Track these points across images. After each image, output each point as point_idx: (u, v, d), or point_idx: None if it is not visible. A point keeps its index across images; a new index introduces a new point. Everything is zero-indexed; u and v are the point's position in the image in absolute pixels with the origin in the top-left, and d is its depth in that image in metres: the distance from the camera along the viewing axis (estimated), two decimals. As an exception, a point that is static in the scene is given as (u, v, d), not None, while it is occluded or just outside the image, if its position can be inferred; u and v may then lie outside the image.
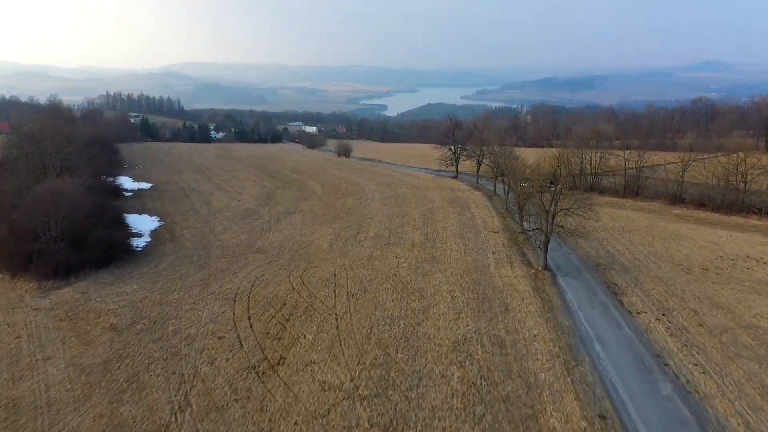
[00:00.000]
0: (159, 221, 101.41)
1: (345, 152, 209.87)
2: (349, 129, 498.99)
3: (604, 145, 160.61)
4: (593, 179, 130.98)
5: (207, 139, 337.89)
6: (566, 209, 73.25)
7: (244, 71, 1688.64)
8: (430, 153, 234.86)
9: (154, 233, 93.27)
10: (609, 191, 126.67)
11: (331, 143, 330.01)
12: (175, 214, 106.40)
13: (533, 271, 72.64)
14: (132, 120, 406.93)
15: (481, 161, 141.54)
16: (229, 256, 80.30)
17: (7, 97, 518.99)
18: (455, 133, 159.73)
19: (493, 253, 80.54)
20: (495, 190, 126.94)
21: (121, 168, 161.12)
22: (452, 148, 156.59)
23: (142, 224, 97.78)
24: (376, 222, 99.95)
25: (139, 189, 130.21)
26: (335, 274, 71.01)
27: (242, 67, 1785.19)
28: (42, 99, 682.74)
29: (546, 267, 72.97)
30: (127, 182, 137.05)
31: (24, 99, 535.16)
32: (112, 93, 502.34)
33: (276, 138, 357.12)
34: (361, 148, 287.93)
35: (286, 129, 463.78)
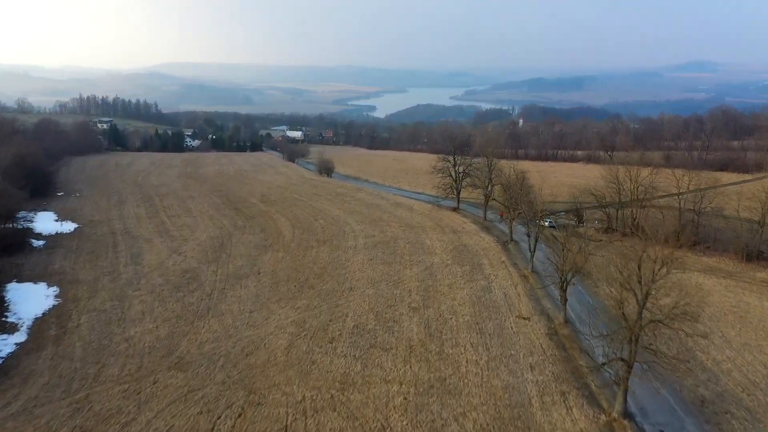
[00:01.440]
0: (57, 296, 72.40)
1: (326, 170, 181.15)
2: (336, 134, 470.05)
3: (635, 161, 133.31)
4: (635, 215, 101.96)
5: (180, 148, 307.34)
6: (660, 321, 44.40)
7: (231, 71, 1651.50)
8: (423, 168, 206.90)
9: (36, 325, 64.14)
10: (654, 232, 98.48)
11: (315, 152, 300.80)
12: (86, 282, 77.34)
13: (605, 418, 44.70)
14: (102, 126, 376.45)
15: (490, 195, 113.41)
16: (129, 378, 51.69)
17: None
18: (455, 155, 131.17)
19: (531, 369, 52.45)
20: (511, 235, 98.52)
21: (51, 198, 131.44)
22: (452, 173, 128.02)
23: (29, 303, 68.73)
24: (357, 295, 71.56)
25: (57, 234, 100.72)
26: (288, 427, 42.95)
27: (229, 68, 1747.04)
28: (23, 100, 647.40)
29: (626, 413, 44.94)
30: (45, 222, 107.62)
31: (7, 101, 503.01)
32: (85, 96, 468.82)
33: (255, 146, 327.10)
34: (347, 158, 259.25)
35: (269, 134, 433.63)
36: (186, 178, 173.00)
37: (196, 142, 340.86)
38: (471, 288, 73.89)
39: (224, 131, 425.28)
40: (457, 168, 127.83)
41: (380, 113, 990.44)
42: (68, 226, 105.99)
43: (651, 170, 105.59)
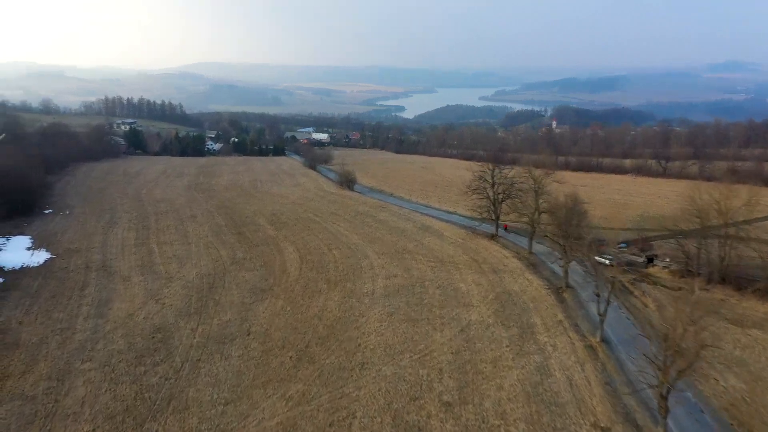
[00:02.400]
0: (-20, 370, 55.43)
1: (348, 182, 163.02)
2: (363, 136, 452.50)
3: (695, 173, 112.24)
4: (727, 252, 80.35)
5: (200, 152, 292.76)
6: None
7: (260, 71, 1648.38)
8: (454, 178, 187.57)
9: (-69, 424, 47.22)
10: (752, 280, 77.19)
11: (339, 156, 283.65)
12: (27, 347, 60.06)
13: None
14: (124, 128, 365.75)
15: (537, 222, 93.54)
16: None
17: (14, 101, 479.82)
18: (494, 176, 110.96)
19: None
20: (567, 278, 78.73)
21: (34, 217, 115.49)
22: (489, 193, 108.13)
23: (-61, 385, 51.80)
24: (370, 378, 53.10)
25: (21, 268, 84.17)
26: None
27: (258, 68, 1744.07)
28: (56, 100, 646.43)
29: None
30: (13, 251, 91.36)
31: (36, 101, 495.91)
32: (110, 97, 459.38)
33: (278, 150, 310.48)
34: (372, 165, 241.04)
35: (293, 137, 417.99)
36: (194, 190, 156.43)
37: (217, 146, 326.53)
38: (522, 368, 54.74)
39: (248, 133, 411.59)
40: (495, 189, 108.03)
41: (409, 114, 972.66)
42: (39, 257, 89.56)
43: (749, 191, 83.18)
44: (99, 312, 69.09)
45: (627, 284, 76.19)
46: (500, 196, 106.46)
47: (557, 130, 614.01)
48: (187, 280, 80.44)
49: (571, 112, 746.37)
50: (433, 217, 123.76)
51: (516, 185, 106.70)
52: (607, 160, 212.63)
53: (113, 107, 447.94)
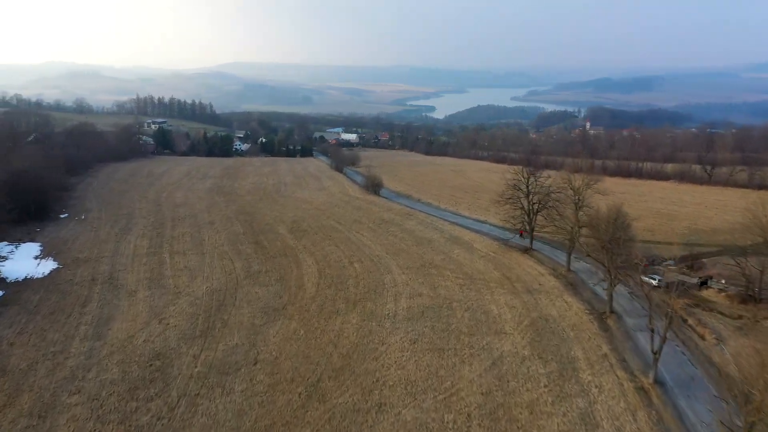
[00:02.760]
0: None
1: (374, 187, 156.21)
2: (392, 137, 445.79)
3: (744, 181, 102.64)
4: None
5: (227, 152, 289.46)
6: None
7: (291, 71, 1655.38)
8: (485, 183, 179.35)
9: None
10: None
11: (367, 158, 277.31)
12: (13, 374, 54.30)
13: None
14: (154, 127, 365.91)
15: (577, 235, 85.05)
16: None
17: (46, 100, 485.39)
18: (529, 184, 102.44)
19: None
20: (611, 303, 70.42)
21: (47, 222, 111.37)
22: (524, 203, 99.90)
23: None
24: (387, 424, 46.06)
25: (25, 279, 79.37)
26: None
27: (291, 67, 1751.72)
28: (90, 99, 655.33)
29: None
30: (20, 261, 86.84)
31: (72, 100, 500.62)
32: (142, 96, 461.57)
33: (305, 151, 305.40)
34: (401, 167, 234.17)
35: (322, 137, 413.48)
36: (216, 194, 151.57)
37: (245, 146, 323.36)
38: (564, 416, 47.11)
39: (276, 133, 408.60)
40: (531, 198, 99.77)
41: (439, 114, 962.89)
42: (45, 267, 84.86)
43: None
44: (97, 333, 63.47)
45: (680, 311, 67.71)
46: (535, 207, 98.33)
47: (591, 132, 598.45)
48: (196, 297, 74.49)
49: (606, 113, 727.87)
50: (462, 226, 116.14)
51: (553, 194, 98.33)
52: (647, 165, 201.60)
53: (145, 106, 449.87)
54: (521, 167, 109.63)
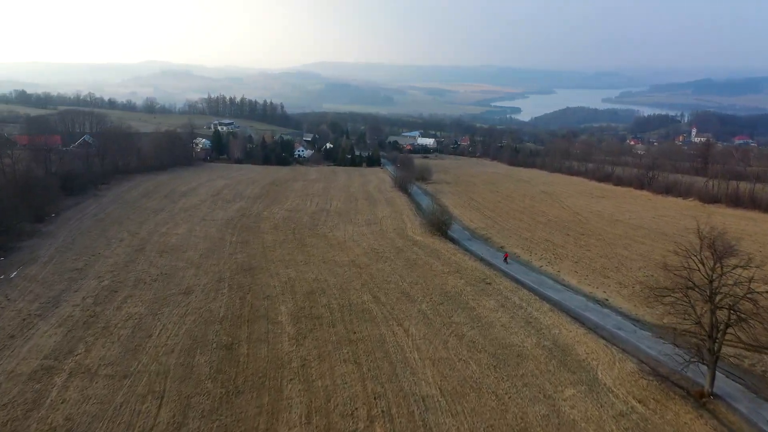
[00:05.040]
0: None
1: (440, 226, 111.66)
2: (472, 143, 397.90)
3: None
4: None
5: (284, 160, 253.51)
6: None
7: (375, 71, 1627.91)
8: (590, 215, 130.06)
9: None
10: None
11: (441, 169, 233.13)
12: None
13: None
14: (222, 129, 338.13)
15: None
16: None
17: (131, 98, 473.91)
18: (713, 274, 54.45)
19: None
20: None
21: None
22: (698, 313, 52.61)
23: None
24: None
25: None
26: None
27: (374, 67, 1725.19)
28: (178, 98, 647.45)
29: None
30: None
31: (164, 98, 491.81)
32: (214, 96, 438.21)
33: (372, 161, 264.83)
34: (479, 184, 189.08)
35: (395, 142, 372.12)
36: (232, 229, 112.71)
37: (307, 152, 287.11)
38: None
39: (349, 137, 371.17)
40: (714, 296, 52.24)
41: (525, 116, 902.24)
42: None
43: None
44: None
45: None
46: (724, 318, 51.03)
47: (696, 140, 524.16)
48: None
49: (713, 118, 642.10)
50: (572, 316, 69.94)
51: (753, 287, 50.58)
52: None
53: (216, 106, 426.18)
54: (697, 249, 59.12)
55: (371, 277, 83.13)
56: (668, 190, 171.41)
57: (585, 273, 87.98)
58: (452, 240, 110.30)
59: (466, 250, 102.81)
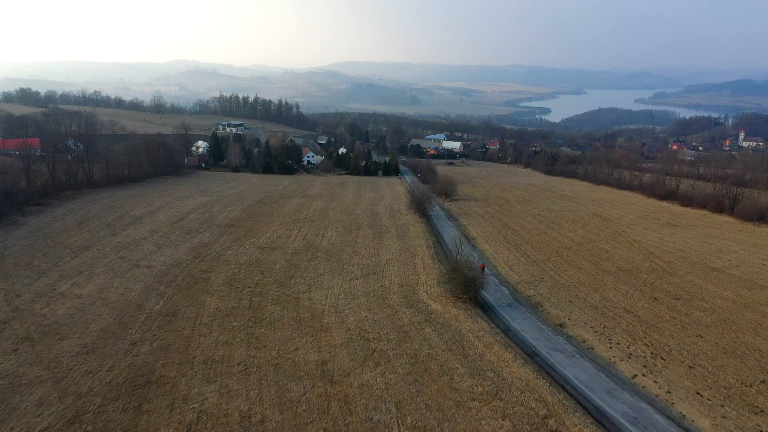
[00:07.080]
0: None
1: (468, 285, 74.61)
2: (502, 146, 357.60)
3: None
4: None
5: (288, 168, 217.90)
6: None
7: (402, 70, 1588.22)
8: (672, 257, 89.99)
9: None
10: None
11: (469, 180, 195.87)
12: None
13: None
14: (232, 131, 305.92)
15: None
16: None
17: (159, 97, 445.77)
18: None
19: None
20: None
21: None
22: None
23: None
24: None
25: None
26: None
27: (400, 66, 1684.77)
28: (206, 96, 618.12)
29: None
30: None
31: (190, 96, 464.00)
32: (227, 95, 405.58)
33: (389, 169, 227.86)
34: (514, 202, 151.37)
35: (418, 146, 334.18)
36: (169, 283, 77.37)
37: (317, 159, 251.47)
38: None
39: (368, 140, 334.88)
40: None
41: (555, 116, 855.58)
42: None
43: None
44: None
45: None
46: None
47: (745, 144, 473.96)
48: None
49: (762, 120, 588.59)
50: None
51: None
52: None
53: (228, 106, 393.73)
54: None
55: (347, 409, 46.33)
56: (761, 216, 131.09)
57: (716, 398, 49.91)
58: (483, 305, 73.16)
59: (507, 329, 65.52)
